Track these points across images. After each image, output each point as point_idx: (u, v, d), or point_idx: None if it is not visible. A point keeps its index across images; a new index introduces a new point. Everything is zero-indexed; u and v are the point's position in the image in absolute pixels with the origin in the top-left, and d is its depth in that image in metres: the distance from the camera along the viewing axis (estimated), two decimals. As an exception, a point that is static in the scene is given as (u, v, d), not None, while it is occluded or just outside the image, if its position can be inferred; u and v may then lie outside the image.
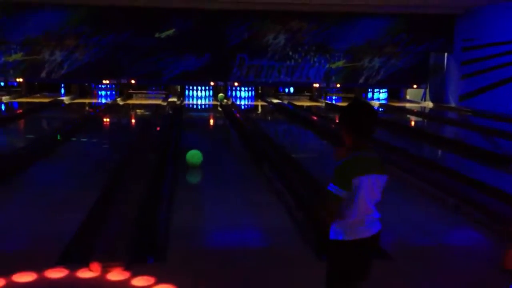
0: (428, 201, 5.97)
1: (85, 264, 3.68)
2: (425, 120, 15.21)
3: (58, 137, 9.29)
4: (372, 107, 2.66)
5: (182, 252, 4.10)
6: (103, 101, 18.09)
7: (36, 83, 19.25)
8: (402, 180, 6.70)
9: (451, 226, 5.25)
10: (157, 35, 17.70)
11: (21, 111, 14.60)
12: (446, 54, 18.79)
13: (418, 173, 6.95)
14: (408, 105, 18.53)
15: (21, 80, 17.95)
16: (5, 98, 16.97)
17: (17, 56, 17.52)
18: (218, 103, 17.16)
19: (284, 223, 4.92)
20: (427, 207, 5.75)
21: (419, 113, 16.35)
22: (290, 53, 18.34)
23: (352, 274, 2.68)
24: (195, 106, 17.79)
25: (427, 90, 19.29)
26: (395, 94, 20.56)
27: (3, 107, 15.67)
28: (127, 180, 5.98)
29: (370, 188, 2.59)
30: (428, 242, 4.70)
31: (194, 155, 7.16)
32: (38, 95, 18.76)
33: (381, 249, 3.81)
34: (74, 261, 3.77)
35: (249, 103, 18.92)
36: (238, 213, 5.27)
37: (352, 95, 19.86)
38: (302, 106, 16.91)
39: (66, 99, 17.20)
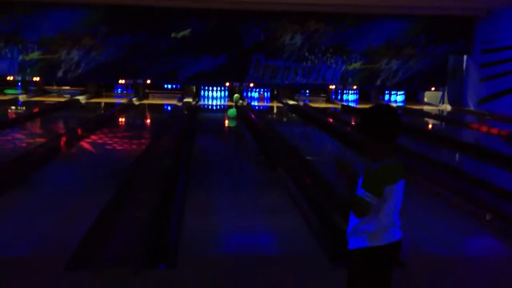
0: (446, 207, 5.82)
1: (93, 270, 3.62)
2: (443, 123, 14.97)
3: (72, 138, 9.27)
4: (395, 110, 2.55)
5: (194, 259, 4.01)
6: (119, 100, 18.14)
7: (54, 83, 19.34)
8: (419, 185, 6.56)
9: (470, 233, 5.10)
10: (173, 35, 17.69)
11: (37, 110, 14.69)
12: (465, 56, 18.49)
13: (435, 178, 6.79)
14: (425, 107, 18.28)
15: (37, 79, 18.07)
16: (21, 97, 17.11)
17: (34, 55, 17.64)
18: (234, 104, 17.10)
19: (299, 229, 4.82)
20: (445, 213, 5.61)
21: (437, 116, 16.11)
22: (307, 54, 18.20)
23: (380, 284, 2.56)
24: (210, 107, 17.75)
25: (445, 92, 19.00)
26: (413, 96, 20.28)
27: (19, 106, 15.79)
28: (139, 183, 5.92)
29: (398, 195, 2.53)
30: (446, 250, 4.57)
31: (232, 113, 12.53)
32: (55, 94, 18.86)
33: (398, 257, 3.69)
34: (83, 266, 3.71)
35: (265, 104, 18.82)
36: (252, 218, 5.18)
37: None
38: (318, 108, 16.77)
39: (82, 99, 17.26)
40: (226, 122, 14.17)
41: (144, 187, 5.78)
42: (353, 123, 12.72)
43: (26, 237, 4.47)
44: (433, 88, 18.99)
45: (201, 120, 13.50)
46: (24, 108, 15.59)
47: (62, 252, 3.94)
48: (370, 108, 2.57)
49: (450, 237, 4.90)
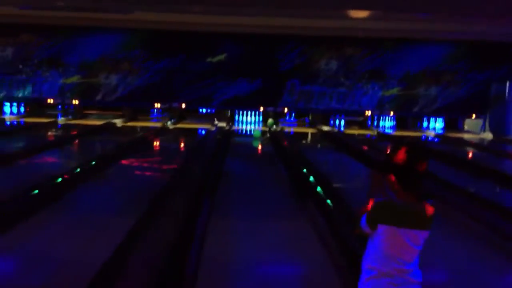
0: (486, 247, 5.44)
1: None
2: (484, 153, 14.38)
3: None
4: (422, 153, 2.41)
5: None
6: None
7: (93, 106, 19.66)
8: (458, 223, 6.19)
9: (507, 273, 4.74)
10: (209, 59, 17.82)
11: (74, 133, 14.93)
12: (508, 83, 17.87)
13: (475, 214, 6.41)
14: (466, 136, 17.68)
15: (76, 102, 18.44)
16: (61, 120, 17.47)
17: (74, 79, 18.04)
18: (267, 129, 16.97)
19: (324, 269, 4.56)
20: (485, 254, 5.24)
21: (477, 145, 15.52)
22: (342, 79, 17.97)
23: None
24: (243, 132, 17.67)
25: (487, 120, 18.33)
26: (453, 124, 19.67)
27: (58, 129, 16.12)
28: (164, 209, 5.82)
29: (401, 242, 2.30)
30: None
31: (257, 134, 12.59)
32: (94, 116, 19.16)
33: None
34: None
35: (299, 129, 18.61)
36: (275, 255, 4.94)
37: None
38: (353, 135, 16.45)
39: (118, 122, 17.48)
40: (258, 147, 14.04)
41: (168, 213, 5.67)
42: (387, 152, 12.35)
43: (46, 261, 4.40)
44: (473, 116, 18.38)
45: (233, 144, 13.40)
46: (62, 130, 15.90)
47: (80, 279, 3.84)
48: (399, 146, 2.45)
49: (489, 279, 4.55)
